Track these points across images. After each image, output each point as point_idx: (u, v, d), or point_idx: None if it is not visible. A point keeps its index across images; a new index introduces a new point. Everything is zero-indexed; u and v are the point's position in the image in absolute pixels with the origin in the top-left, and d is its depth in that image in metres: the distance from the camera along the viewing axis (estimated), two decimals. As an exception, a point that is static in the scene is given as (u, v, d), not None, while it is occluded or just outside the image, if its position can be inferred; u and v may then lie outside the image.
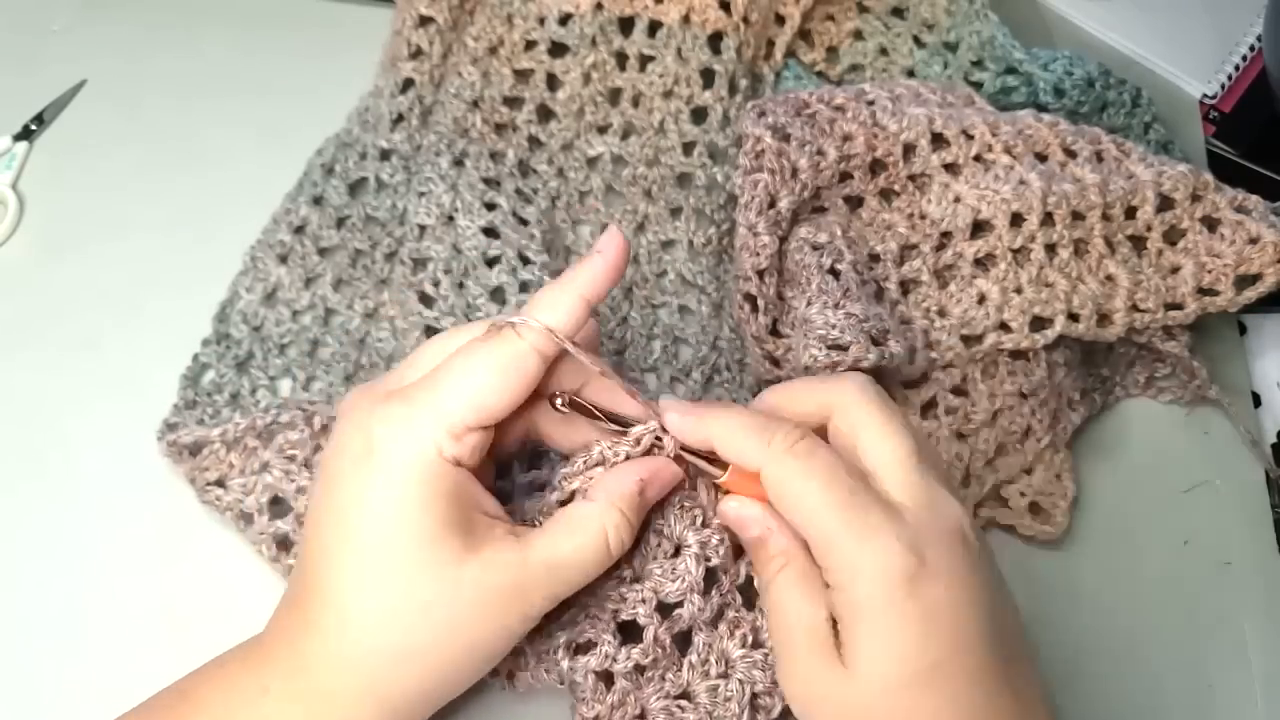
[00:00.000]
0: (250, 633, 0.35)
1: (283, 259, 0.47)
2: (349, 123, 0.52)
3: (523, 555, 0.31)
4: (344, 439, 0.31)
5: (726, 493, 0.34)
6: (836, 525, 0.30)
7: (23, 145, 0.52)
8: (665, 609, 0.34)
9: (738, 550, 0.34)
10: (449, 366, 0.32)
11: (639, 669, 0.33)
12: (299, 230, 0.48)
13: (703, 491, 0.34)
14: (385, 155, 0.50)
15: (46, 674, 0.38)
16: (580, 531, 0.32)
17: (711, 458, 0.33)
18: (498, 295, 0.45)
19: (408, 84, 0.52)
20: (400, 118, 0.51)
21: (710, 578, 0.34)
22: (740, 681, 0.33)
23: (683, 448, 0.33)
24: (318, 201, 0.49)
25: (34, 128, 0.52)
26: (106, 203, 0.50)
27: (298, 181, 0.50)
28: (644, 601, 0.33)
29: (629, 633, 0.33)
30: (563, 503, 0.34)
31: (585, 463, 0.33)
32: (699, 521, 0.34)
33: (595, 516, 0.32)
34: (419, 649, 0.30)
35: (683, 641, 0.34)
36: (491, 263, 0.46)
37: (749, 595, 0.34)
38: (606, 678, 0.33)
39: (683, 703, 0.33)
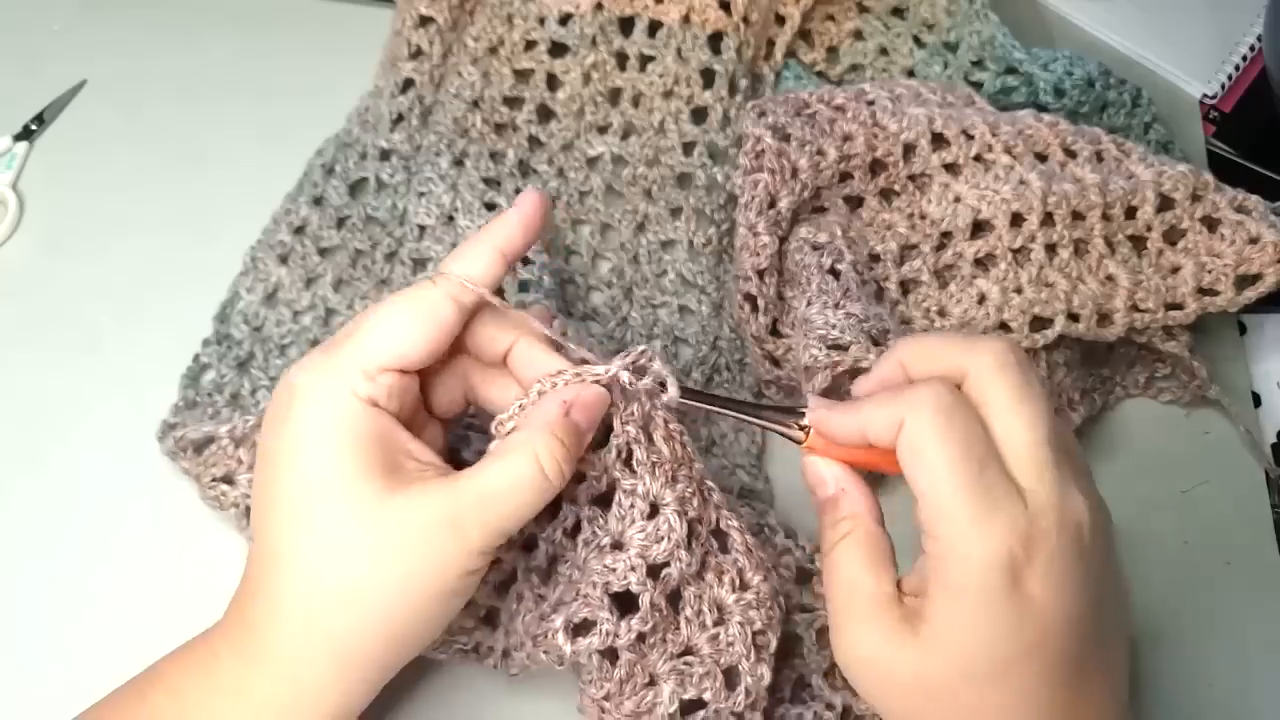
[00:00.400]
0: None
1: (283, 259, 0.47)
2: (349, 123, 0.52)
3: (450, 488, 0.31)
4: (274, 396, 0.32)
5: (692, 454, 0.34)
6: (956, 499, 0.29)
7: (23, 145, 0.52)
8: (654, 570, 0.33)
9: (703, 497, 0.34)
10: (365, 315, 0.33)
11: (640, 637, 0.33)
12: (299, 230, 0.48)
13: (664, 446, 0.34)
14: (385, 155, 0.50)
15: (46, 673, 0.38)
16: (510, 459, 0.31)
17: (786, 423, 0.33)
18: (497, 295, 0.45)
19: (408, 84, 0.52)
20: (400, 118, 0.51)
21: (690, 531, 0.34)
22: (740, 624, 0.33)
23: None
24: (318, 202, 0.49)
25: (34, 128, 0.52)
26: (106, 203, 0.50)
27: (298, 182, 0.50)
28: (634, 569, 0.33)
29: (622, 603, 0.33)
30: None
31: (521, 405, 0.33)
32: (672, 476, 0.33)
33: (524, 442, 0.31)
34: (356, 589, 0.30)
35: (674, 599, 0.34)
36: None
37: (723, 540, 0.35)
38: (610, 653, 0.33)
39: (689, 659, 0.33)
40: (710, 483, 0.35)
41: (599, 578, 0.33)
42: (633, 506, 0.33)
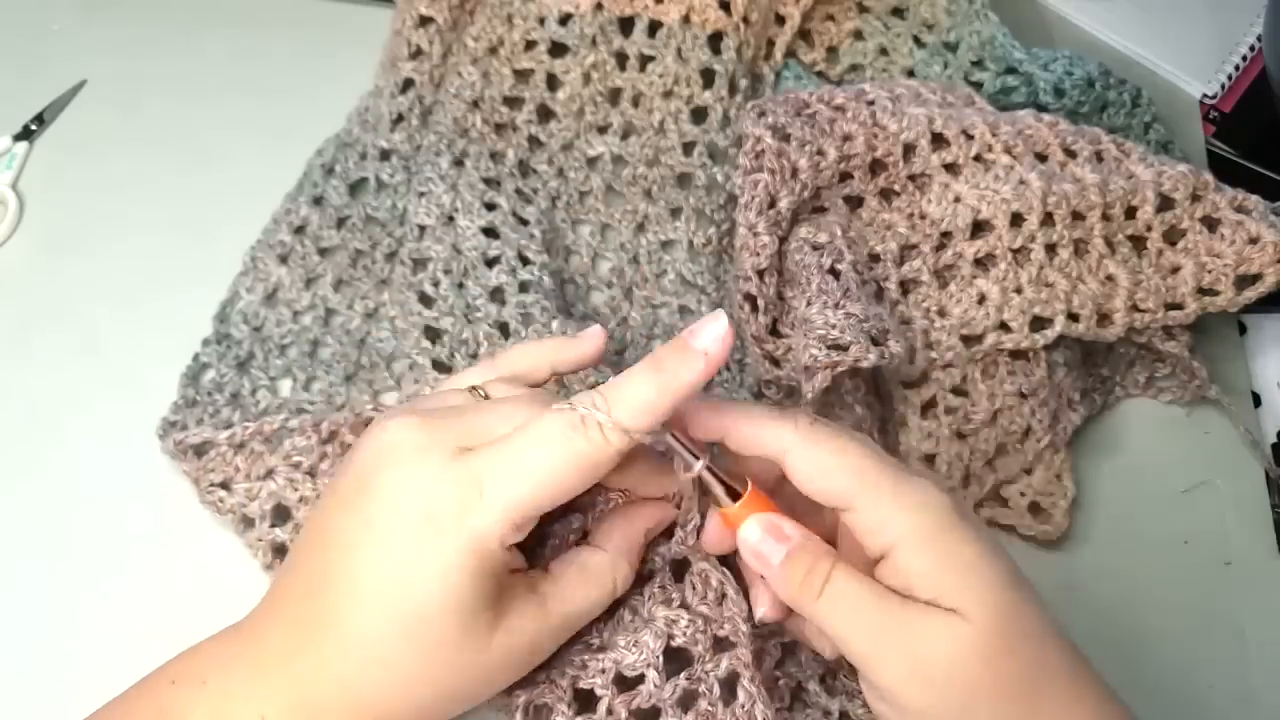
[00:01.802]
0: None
1: (283, 259, 0.47)
2: (349, 123, 0.52)
3: (543, 613, 0.31)
4: (401, 494, 0.30)
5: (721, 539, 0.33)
6: (881, 477, 0.30)
7: (23, 145, 0.52)
8: (626, 682, 0.33)
9: (719, 644, 0.33)
10: (527, 454, 0.30)
11: None
12: (299, 230, 0.48)
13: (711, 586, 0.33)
14: (385, 155, 0.50)
15: (45, 673, 0.38)
16: (594, 584, 0.32)
17: (728, 482, 0.32)
18: (497, 295, 0.45)
19: (408, 84, 0.52)
20: (400, 118, 0.51)
21: (681, 658, 0.33)
22: None
23: (705, 466, 0.32)
24: (318, 202, 0.49)
25: (34, 128, 0.52)
26: (106, 203, 0.50)
27: (298, 182, 0.50)
28: (603, 671, 0.33)
29: (587, 702, 0.33)
30: (576, 541, 0.34)
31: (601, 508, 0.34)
32: (672, 600, 0.33)
33: (608, 570, 0.33)
34: (433, 708, 0.31)
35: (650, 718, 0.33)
36: (491, 263, 0.46)
37: (730, 693, 0.33)
38: None
39: None
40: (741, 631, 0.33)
41: (571, 670, 0.33)
42: (631, 620, 0.34)
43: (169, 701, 0.30)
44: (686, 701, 0.33)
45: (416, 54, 0.53)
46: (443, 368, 0.44)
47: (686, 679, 0.33)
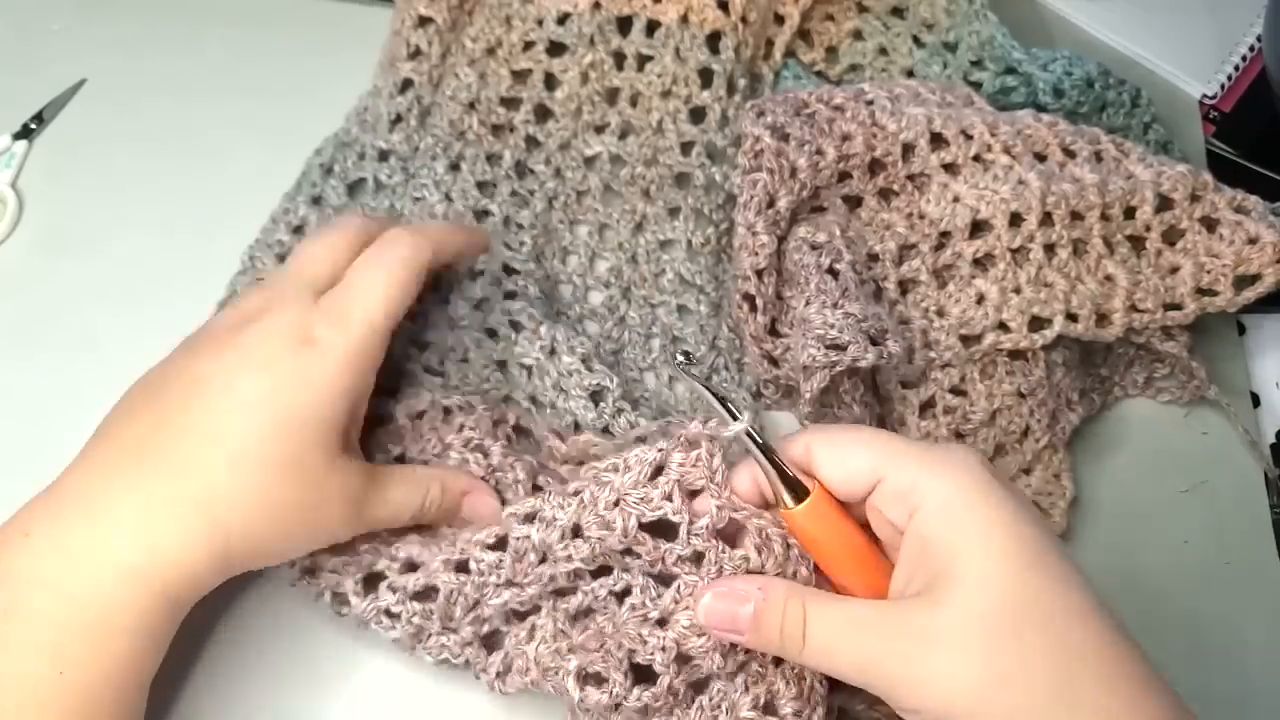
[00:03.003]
0: (245, 629, 0.36)
1: (281, 258, 0.47)
2: (347, 122, 0.52)
3: (371, 481, 0.36)
4: (282, 321, 0.35)
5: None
6: (909, 446, 0.31)
7: (22, 144, 0.52)
8: (684, 659, 0.33)
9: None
10: (369, 277, 0.36)
11: (646, 709, 0.33)
12: (297, 230, 0.48)
13: (753, 553, 0.33)
14: (384, 156, 0.50)
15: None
16: (414, 488, 0.37)
17: (794, 481, 0.32)
18: (482, 306, 0.45)
19: (406, 84, 0.52)
20: (399, 118, 0.51)
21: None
22: None
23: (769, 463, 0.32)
24: (316, 201, 0.49)
25: (34, 126, 0.52)
26: (106, 202, 0.50)
27: (296, 181, 0.50)
28: (664, 649, 0.32)
29: (642, 671, 0.33)
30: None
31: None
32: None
33: (428, 474, 0.38)
34: (292, 507, 0.33)
35: (699, 686, 0.33)
36: (475, 275, 0.46)
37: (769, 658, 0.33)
38: (615, 708, 0.33)
39: None
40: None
41: (629, 643, 0.33)
42: (690, 596, 0.33)
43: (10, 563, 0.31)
44: (740, 668, 0.33)
45: (415, 54, 0.53)
46: (433, 373, 0.43)
47: (743, 651, 0.33)
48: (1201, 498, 0.45)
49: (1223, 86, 0.59)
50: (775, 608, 0.31)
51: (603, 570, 0.34)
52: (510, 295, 0.45)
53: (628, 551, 0.33)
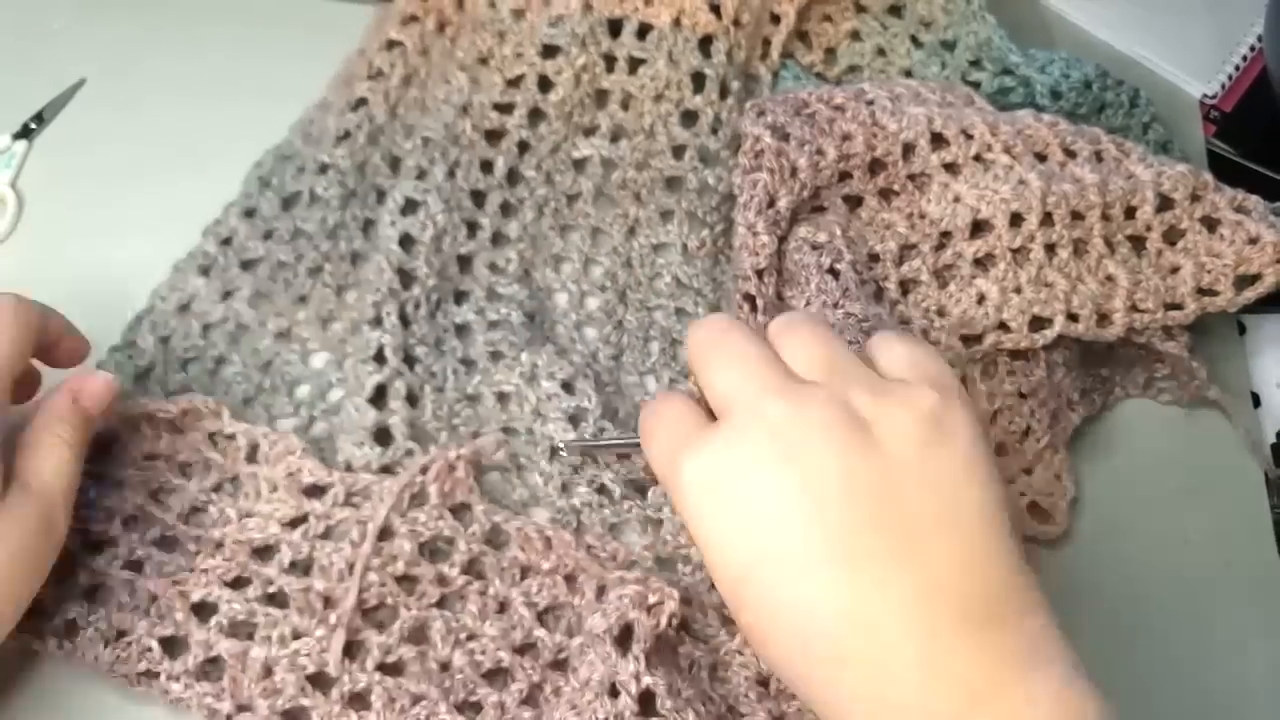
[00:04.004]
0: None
1: (204, 270, 0.46)
2: (290, 134, 0.51)
3: (23, 489, 0.33)
4: None
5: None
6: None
7: (22, 144, 0.52)
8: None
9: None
10: None
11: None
12: (225, 242, 0.47)
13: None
14: (323, 169, 0.49)
15: (46, 674, 0.38)
16: (40, 447, 0.35)
17: None
18: (463, 331, 0.45)
19: (360, 102, 0.51)
20: (346, 134, 0.50)
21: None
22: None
23: None
24: (249, 214, 0.48)
25: (33, 126, 0.52)
26: (106, 202, 0.50)
27: (238, 193, 0.49)
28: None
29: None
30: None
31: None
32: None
33: (40, 429, 0.35)
34: None
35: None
36: (460, 298, 0.46)
37: None
38: None
39: None
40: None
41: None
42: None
43: None
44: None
45: (376, 75, 0.52)
46: (412, 400, 0.43)
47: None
48: (1201, 498, 0.45)
49: (1223, 86, 0.59)
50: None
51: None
52: (494, 325, 0.45)
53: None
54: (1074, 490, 0.43)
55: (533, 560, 0.37)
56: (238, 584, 0.36)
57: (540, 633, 0.36)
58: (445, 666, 0.35)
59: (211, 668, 0.34)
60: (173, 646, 0.35)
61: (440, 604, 0.36)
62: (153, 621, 0.35)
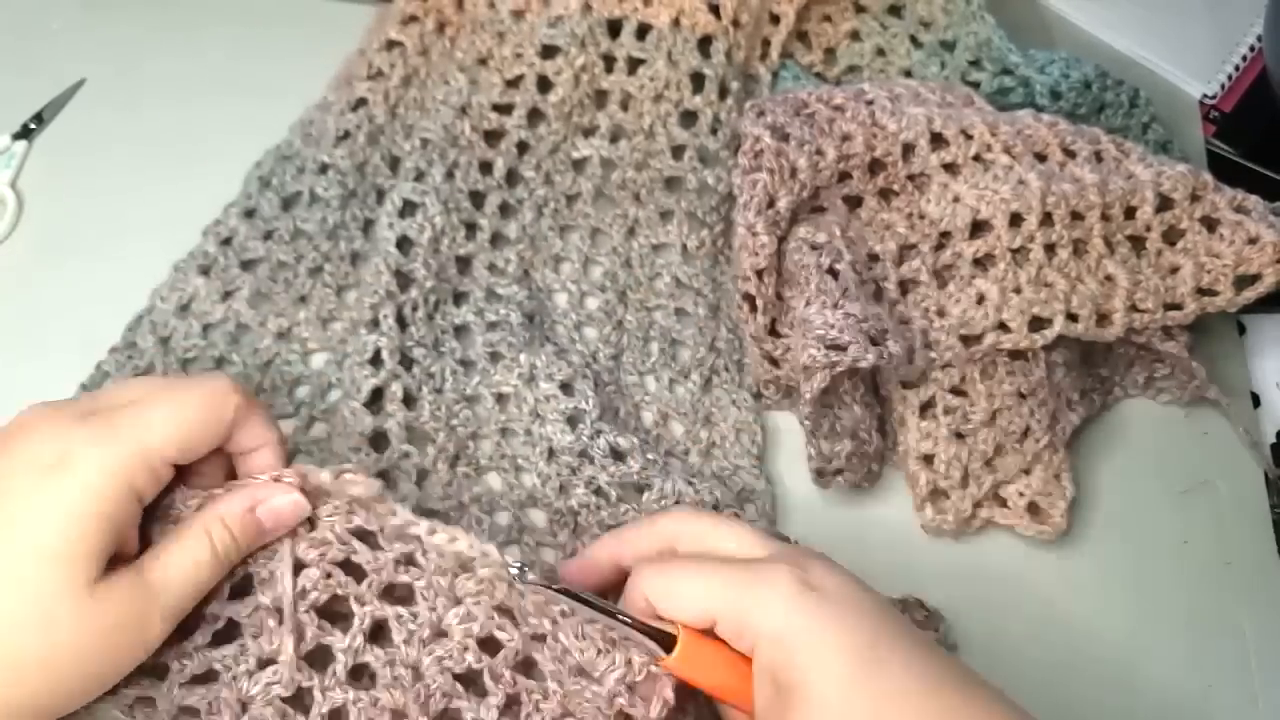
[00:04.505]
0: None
1: (205, 270, 0.46)
2: (290, 134, 0.51)
3: (138, 576, 0.30)
4: (33, 445, 0.31)
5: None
6: (729, 580, 0.31)
7: (22, 144, 0.52)
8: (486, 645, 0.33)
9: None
10: (156, 397, 0.32)
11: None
12: (226, 242, 0.47)
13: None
14: (323, 169, 0.49)
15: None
16: (189, 545, 0.31)
17: (656, 630, 0.31)
18: (462, 333, 0.45)
19: (360, 102, 0.51)
20: (346, 134, 0.50)
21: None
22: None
23: (623, 618, 0.31)
24: (249, 214, 0.48)
25: (33, 127, 0.52)
26: (106, 202, 0.50)
27: (238, 194, 0.49)
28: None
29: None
30: None
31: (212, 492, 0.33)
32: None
33: (197, 523, 0.32)
34: (35, 662, 0.29)
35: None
36: (459, 299, 0.46)
37: None
38: None
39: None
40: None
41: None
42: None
43: None
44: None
45: (376, 75, 0.52)
46: (409, 402, 0.43)
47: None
48: (1201, 498, 0.45)
49: (1223, 86, 0.59)
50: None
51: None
52: (493, 326, 0.45)
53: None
54: (1073, 490, 0.43)
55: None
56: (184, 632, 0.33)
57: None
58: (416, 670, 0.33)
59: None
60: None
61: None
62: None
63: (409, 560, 0.34)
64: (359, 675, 0.33)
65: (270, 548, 0.33)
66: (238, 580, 0.34)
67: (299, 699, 0.32)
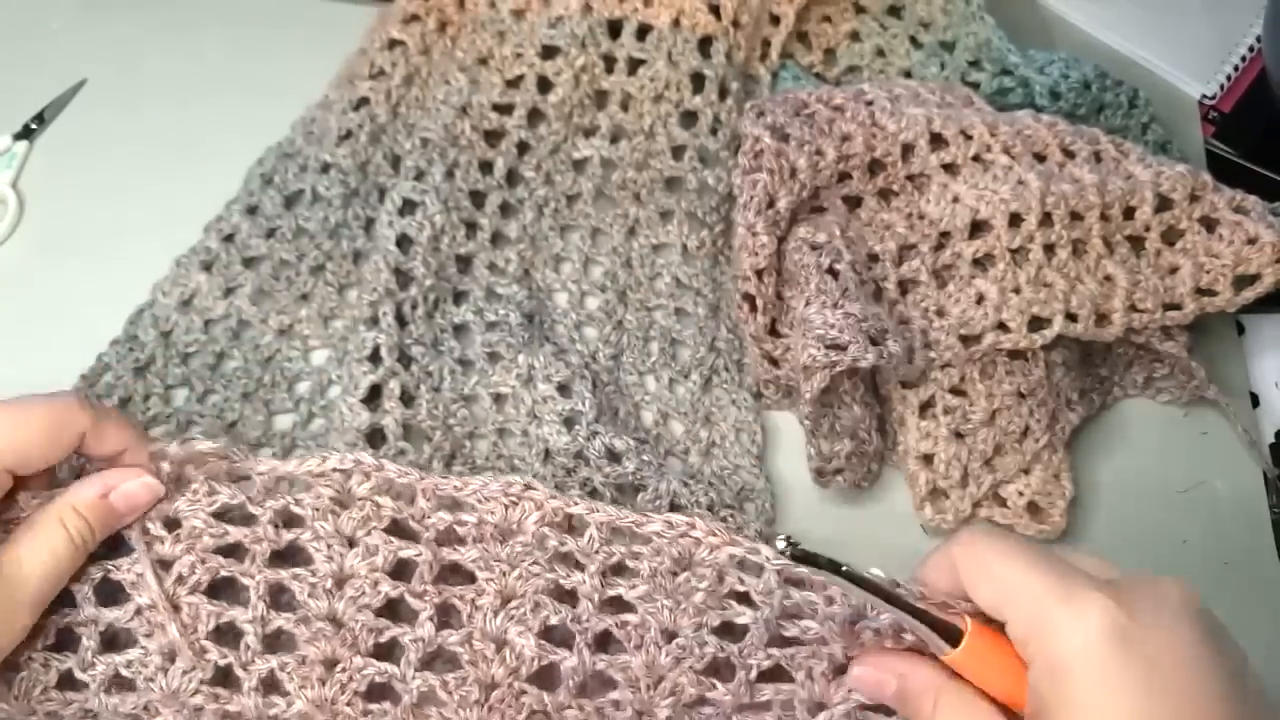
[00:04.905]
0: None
1: (207, 266, 0.46)
2: (292, 132, 0.51)
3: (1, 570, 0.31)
4: None
5: None
6: (1037, 587, 0.28)
7: (23, 144, 0.52)
8: None
9: None
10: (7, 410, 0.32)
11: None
12: (228, 239, 0.47)
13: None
14: (325, 168, 0.49)
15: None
16: (40, 532, 0.31)
17: (941, 622, 0.30)
18: (461, 332, 0.45)
19: (362, 102, 0.51)
20: (348, 134, 0.50)
21: None
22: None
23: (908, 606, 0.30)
24: (252, 211, 0.48)
25: (34, 127, 0.52)
26: (106, 202, 0.50)
27: (239, 190, 0.49)
28: None
29: None
30: None
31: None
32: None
33: (51, 513, 0.32)
34: None
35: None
36: (458, 298, 0.46)
37: None
38: None
39: None
40: None
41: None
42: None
43: None
44: None
45: (378, 74, 0.52)
46: (407, 401, 0.43)
47: None
48: (1201, 498, 0.45)
49: (1222, 87, 0.59)
50: (912, 693, 0.31)
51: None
52: (492, 325, 0.45)
53: None
54: (1073, 490, 0.43)
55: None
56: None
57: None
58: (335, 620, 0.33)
59: None
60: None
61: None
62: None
63: (289, 519, 0.34)
64: (277, 640, 0.33)
65: (132, 554, 0.33)
66: (101, 584, 0.33)
67: (226, 678, 0.33)
